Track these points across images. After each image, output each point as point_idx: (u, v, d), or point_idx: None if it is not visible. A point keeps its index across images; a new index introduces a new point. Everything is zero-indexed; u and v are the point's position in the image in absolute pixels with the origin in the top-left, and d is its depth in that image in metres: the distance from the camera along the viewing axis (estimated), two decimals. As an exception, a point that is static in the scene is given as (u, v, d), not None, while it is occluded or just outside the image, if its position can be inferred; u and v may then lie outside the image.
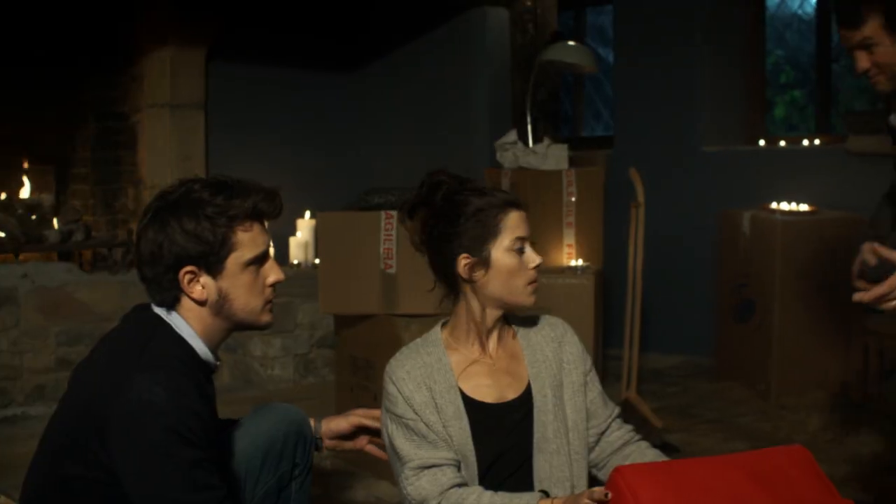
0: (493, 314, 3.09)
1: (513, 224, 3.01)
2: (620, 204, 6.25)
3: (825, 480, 2.85)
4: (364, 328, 5.11)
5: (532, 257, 3.03)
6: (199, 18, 7.32)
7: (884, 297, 3.20)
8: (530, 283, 3.04)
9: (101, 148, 7.50)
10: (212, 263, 2.84)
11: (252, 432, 3.33)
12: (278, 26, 7.90)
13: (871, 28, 3.30)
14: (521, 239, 3.02)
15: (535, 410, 3.08)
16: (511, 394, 3.09)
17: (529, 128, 6.76)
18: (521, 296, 3.04)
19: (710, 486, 2.70)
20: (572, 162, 6.25)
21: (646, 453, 3.23)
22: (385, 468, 3.21)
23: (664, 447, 3.68)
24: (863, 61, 3.36)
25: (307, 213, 7.64)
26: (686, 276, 7.39)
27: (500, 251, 3.00)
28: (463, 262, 3.01)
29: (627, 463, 3.13)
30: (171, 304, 2.88)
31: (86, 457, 2.74)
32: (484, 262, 3.00)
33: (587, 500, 2.70)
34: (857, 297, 3.26)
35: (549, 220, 5.93)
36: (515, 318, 3.21)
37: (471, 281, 3.03)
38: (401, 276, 4.91)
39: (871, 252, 3.29)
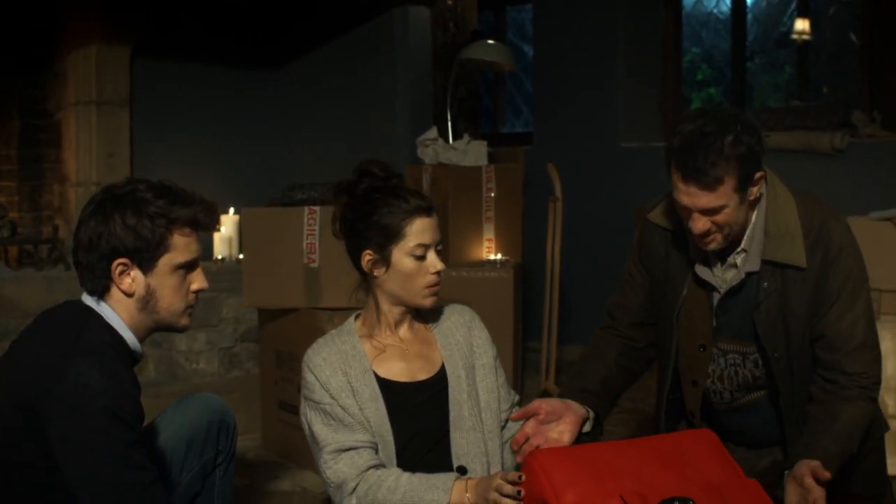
0: (394, 309, 3.20)
1: (418, 230, 3.10)
2: (539, 199, 6.36)
3: (731, 461, 2.98)
4: (288, 322, 5.17)
5: (434, 263, 3.14)
6: (123, 16, 7.29)
7: None
8: (429, 287, 3.15)
9: (26, 145, 7.43)
10: (145, 260, 2.94)
11: (177, 421, 3.44)
12: (202, 24, 7.89)
13: (725, 191, 3.07)
14: (424, 246, 3.11)
15: (450, 389, 3.20)
16: (423, 375, 3.20)
17: (450, 124, 6.83)
18: (418, 297, 3.16)
19: (620, 466, 2.82)
20: (492, 158, 6.33)
21: None
22: (311, 458, 3.28)
23: (581, 436, 3.77)
24: (702, 223, 3.13)
25: (231, 209, 7.65)
26: (604, 268, 7.36)
27: (401, 254, 3.10)
28: (366, 257, 3.13)
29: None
30: (101, 294, 2.97)
31: (22, 445, 2.81)
32: (385, 261, 3.11)
33: (500, 481, 2.81)
34: None
35: (469, 215, 5.99)
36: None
37: (372, 276, 3.15)
38: (323, 271, 4.97)
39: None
